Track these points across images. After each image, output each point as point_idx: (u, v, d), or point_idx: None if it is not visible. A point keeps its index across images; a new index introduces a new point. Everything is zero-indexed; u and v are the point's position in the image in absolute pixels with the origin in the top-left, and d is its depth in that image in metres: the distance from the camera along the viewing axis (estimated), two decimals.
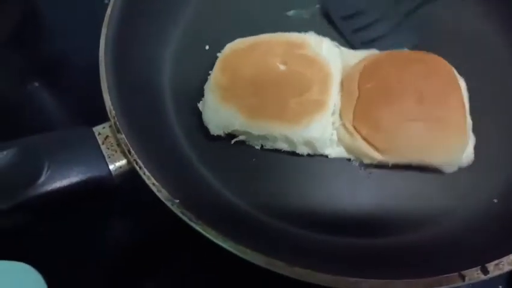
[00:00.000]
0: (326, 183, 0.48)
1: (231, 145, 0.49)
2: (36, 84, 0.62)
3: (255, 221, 0.45)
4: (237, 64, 0.49)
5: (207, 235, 0.37)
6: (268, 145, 0.48)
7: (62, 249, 0.50)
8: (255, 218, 0.46)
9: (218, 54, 0.51)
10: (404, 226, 0.45)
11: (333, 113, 0.47)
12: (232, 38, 0.52)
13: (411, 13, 0.56)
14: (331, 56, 0.50)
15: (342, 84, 0.49)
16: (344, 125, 0.47)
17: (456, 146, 0.46)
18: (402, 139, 0.46)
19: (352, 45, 0.55)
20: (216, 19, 0.58)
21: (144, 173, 0.40)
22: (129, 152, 0.41)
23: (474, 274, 0.35)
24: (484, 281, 0.36)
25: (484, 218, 0.44)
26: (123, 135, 0.41)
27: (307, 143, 0.46)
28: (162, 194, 0.39)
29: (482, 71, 0.51)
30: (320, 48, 0.50)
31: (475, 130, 0.47)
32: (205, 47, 0.55)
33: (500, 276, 0.36)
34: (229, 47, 0.51)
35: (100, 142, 0.42)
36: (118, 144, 0.42)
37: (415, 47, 0.53)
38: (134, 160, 0.40)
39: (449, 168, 0.46)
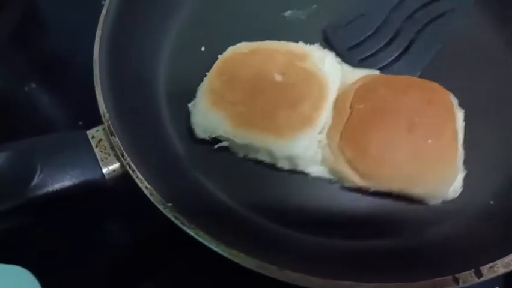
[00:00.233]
0: (320, 185, 0.47)
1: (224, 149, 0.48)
2: (34, 85, 0.62)
3: (248, 224, 0.45)
4: (235, 68, 0.48)
5: (200, 239, 0.37)
6: (251, 155, 0.47)
7: (57, 252, 0.50)
8: (249, 220, 0.45)
9: (219, 56, 0.50)
10: (397, 229, 0.44)
11: (321, 131, 0.46)
12: (228, 39, 0.51)
13: (423, 28, 0.53)
14: (331, 73, 0.48)
15: (335, 102, 0.47)
16: (329, 144, 0.45)
17: (443, 179, 0.43)
18: (387, 167, 0.44)
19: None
20: (211, 20, 0.58)
21: (137, 176, 0.40)
22: (122, 155, 0.41)
23: (468, 277, 0.35)
24: (479, 283, 0.36)
25: (479, 221, 0.44)
26: (117, 138, 0.41)
27: (289, 158, 0.45)
28: (155, 197, 0.39)
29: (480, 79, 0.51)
30: (322, 63, 0.48)
31: (468, 133, 0.46)
32: (201, 49, 0.55)
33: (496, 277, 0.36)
34: (231, 50, 0.50)
35: (93, 145, 0.42)
36: (112, 148, 0.41)
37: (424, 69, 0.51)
38: (128, 163, 0.40)
39: (433, 200, 0.44)
